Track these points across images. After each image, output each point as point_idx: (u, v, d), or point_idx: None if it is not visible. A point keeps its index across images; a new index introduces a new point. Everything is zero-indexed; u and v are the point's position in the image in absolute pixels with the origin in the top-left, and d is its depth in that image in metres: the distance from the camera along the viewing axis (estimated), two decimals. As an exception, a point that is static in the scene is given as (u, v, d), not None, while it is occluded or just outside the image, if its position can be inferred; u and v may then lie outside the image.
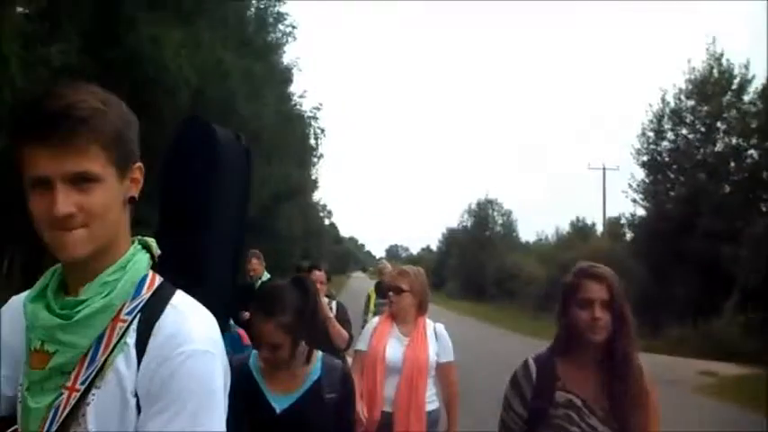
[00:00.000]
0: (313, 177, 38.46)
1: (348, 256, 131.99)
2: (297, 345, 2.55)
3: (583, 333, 2.61)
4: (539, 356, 2.80)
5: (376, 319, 4.44)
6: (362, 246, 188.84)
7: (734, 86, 24.61)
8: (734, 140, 24.52)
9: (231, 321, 4.43)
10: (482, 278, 49.72)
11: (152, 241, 1.50)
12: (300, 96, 27.29)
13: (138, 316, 1.36)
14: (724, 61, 24.87)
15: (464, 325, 24.72)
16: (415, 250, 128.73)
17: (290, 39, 23.42)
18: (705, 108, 24.97)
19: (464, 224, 61.36)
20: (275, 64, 22.96)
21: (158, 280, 1.45)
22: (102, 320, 1.33)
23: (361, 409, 3.91)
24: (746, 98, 24.38)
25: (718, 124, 24.85)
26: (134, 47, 10.87)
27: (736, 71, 24.64)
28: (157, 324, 1.35)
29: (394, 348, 4.11)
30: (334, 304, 5.68)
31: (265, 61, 19.89)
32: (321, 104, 28.05)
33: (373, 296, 8.77)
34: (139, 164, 1.41)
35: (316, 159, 36.12)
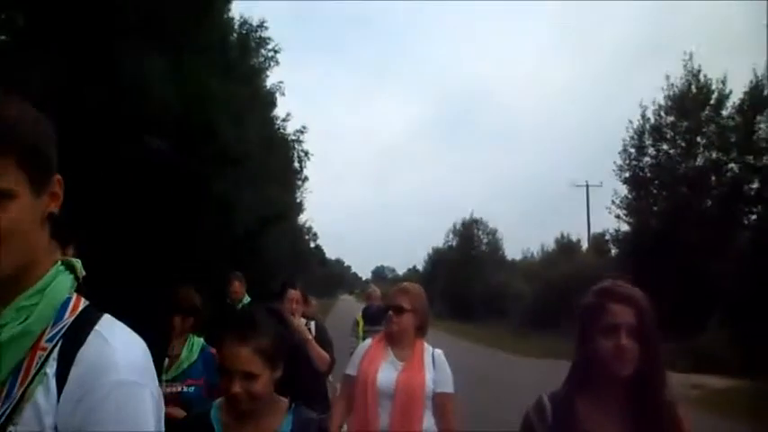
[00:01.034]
0: (298, 200, 38.50)
1: (335, 278, 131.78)
2: (274, 379, 2.17)
3: (607, 365, 2.16)
4: (554, 394, 2.36)
5: (368, 342, 4.02)
6: (349, 267, 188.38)
7: (712, 101, 24.95)
8: (714, 155, 24.83)
9: (203, 341, 4.32)
10: (469, 297, 49.77)
11: (76, 262, 1.36)
12: (284, 120, 27.43)
13: (60, 343, 1.23)
14: (701, 77, 25.26)
15: (454, 346, 24.68)
16: (401, 271, 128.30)
17: (272, 63, 23.53)
18: (685, 123, 25.29)
19: (450, 244, 61.48)
20: (258, 88, 23.04)
21: (83, 303, 1.32)
22: (19, 349, 1.20)
23: None
24: (725, 113, 24.79)
25: (698, 139, 25.16)
26: (118, 77, 10.88)
27: (713, 86, 25.02)
28: (80, 352, 1.22)
29: (386, 372, 3.71)
30: (312, 325, 5.26)
31: (248, 86, 19.97)
32: (305, 127, 28.15)
33: (361, 322, 8.39)
34: (58, 177, 1.29)
35: (300, 182, 36.25)
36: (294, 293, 5.11)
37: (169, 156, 12.47)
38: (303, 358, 4.60)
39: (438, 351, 3.86)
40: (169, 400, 3.39)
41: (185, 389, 4.08)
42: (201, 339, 4.32)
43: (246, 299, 7.13)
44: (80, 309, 1.30)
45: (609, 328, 2.17)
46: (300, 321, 5.01)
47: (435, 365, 3.77)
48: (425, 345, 3.87)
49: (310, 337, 5.02)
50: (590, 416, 2.20)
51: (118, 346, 1.24)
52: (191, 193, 14.83)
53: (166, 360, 3.92)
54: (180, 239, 14.25)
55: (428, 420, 3.67)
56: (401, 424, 3.61)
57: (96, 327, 1.26)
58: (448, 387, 3.75)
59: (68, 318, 1.27)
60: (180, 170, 13.58)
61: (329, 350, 5.09)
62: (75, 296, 1.32)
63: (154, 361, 1.33)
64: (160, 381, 3.30)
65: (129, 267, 10.51)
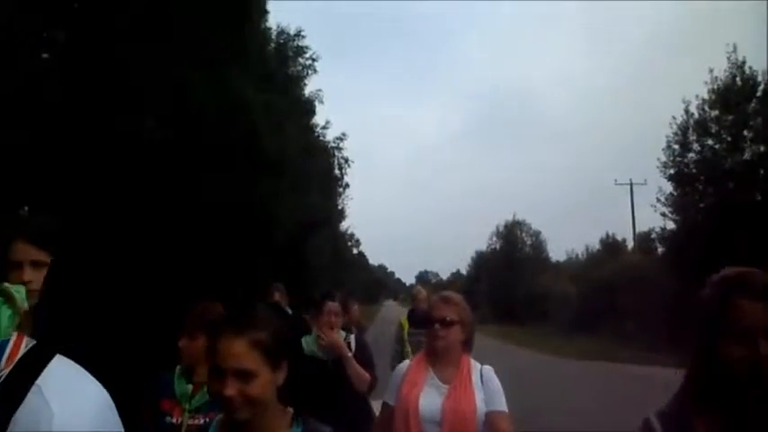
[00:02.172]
0: (339, 207, 38.67)
1: (378, 284, 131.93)
2: (276, 383, 1.85)
3: (738, 378, 1.69)
4: (664, 414, 1.89)
5: (406, 363, 3.52)
6: (392, 273, 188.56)
7: (758, 94, 24.40)
8: (761, 148, 24.22)
9: None
10: (513, 300, 49.46)
11: (18, 289, 1.19)
12: (323, 128, 27.61)
13: None
14: (747, 69, 24.75)
15: (499, 349, 24.54)
16: (444, 275, 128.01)
17: (310, 71, 23.70)
18: (730, 117, 24.78)
19: (493, 247, 61.21)
20: (297, 96, 23.23)
21: (25, 344, 1.14)
22: None
23: None
24: (772, 105, 24.15)
25: (745, 132, 24.60)
26: (157, 89, 11.04)
27: (759, 78, 24.48)
28: (15, 416, 1.05)
29: (430, 399, 3.19)
30: (352, 339, 4.68)
31: (287, 94, 20.14)
32: (344, 134, 28.33)
33: (406, 325, 8.10)
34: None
35: (341, 189, 36.42)
36: (332, 306, 4.58)
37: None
38: (342, 377, 4.36)
39: (487, 367, 3.35)
40: None
41: (209, 421, 3.63)
42: None
43: (288, 310, 7.03)
44: (20, 353, 1.12)
45: (742, 331, 1.69)
46: (339, 335, 4.53)
47: (484, 384, 3.26)
48: (472, 361, 3.37)
49: (349, 353, 4.48)
50: None
51: (57, 411, 1.07)
52: (231, 201, 14.97)
53: (189, 387, 3.28)
54: (219, 248, 14.37)
55: None
56: None
57: (38, 381, 1.09)
58: (501, 405, 3.22)
59: (4, 368, 1.10)
60: (220, 179, 13.73)
61: (370, 369, 4.56)
62: (15, 336, 1.14)
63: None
64: (182, 410, 3.14)
65: (162, 281, 10.62)
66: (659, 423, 1.86)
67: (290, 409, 1.93)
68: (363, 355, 4.57)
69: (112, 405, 1.17)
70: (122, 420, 1.29)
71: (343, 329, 4.74)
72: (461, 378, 3.23)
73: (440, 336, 3.29)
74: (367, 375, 4.45)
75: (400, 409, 3.25)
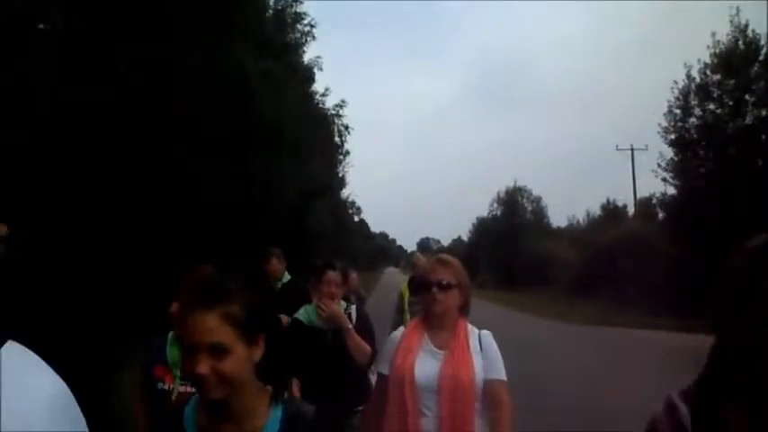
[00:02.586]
0: (340, 175, 38.60)
1: (379, 251, 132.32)
2: (252, 360, 1.70)
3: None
4: (689, 394, 1.65)
5: (400, 331, 3.36)
6: (393, 240, 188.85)
7: (761, 57, 24.18)
8: (763, 112, 24.07)
9: None
10: (514, 266, 49.62)
11: None
12: (322, 95, 27.41)
13: None
14: (749, 32, 24.50)
15: (499, 314, 24.66)
16: (445, 242, 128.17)
17: (309, 38, 23.46)
18: (732, 81, 24.58)
19: (494, 213, 61.24)
20: (296, 64, 23.02)
21: None
22: None
23: None
24: (774, 69, 23.95)
25: (747, 97, 24.40)
26: (153, 54, 10.94)
27: (762, 41, 24.21)
28: None
29: (426, 365, 3.06)
30: (353, 310, 4.51)
31: (285, 61, 19.96)
32: (344, 101, 28.12)
33: (406, 293, 7.97)
34: None
35: (342, 157, 36.33)
36: (333, 276, 4.37)
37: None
38: (341, 349, 4.21)
39: (485, 332, 3.21)
40: (184, 401, 3.09)
41: None
42: None
43: (286, 277, 6.58)
44: None
45: None
46: (340, 306, 4.37)
47: (483, 350, 3.12)
48: (470, 326, 3.21)
49: (350, 324, 4.29)
50: (745, 425, 1.45)
51: (4, 405, 0.98)
52: (231, 170, 14.91)
53: (179, 352, 2.99)
54: (218, 218, 14.37)
55: (480, 420, 3.03)
56: (451, 426, 2.97)
57: None
58: (499, 373, 3.09)
59: None
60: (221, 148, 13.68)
61: (370, 341, 4.36)
62: None
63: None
64: (174, 377, 3.03)
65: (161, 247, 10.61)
66: (684, 404, 1.62)
67: (269, 388, 1.78)
68: (364, 327, 4.39)
69: (69, 395, 1.06)
70: (110, 389, 1.22)
71: (344, 300, 4.60)
72: (458, 343, 3.10)
73: (437, 300, 3.14)
74: (368, 347, 4.27)
75: (395, 377, 3.09)
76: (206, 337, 1.61)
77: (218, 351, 1.60)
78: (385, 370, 3.20)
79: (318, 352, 4.20)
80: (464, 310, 3.24)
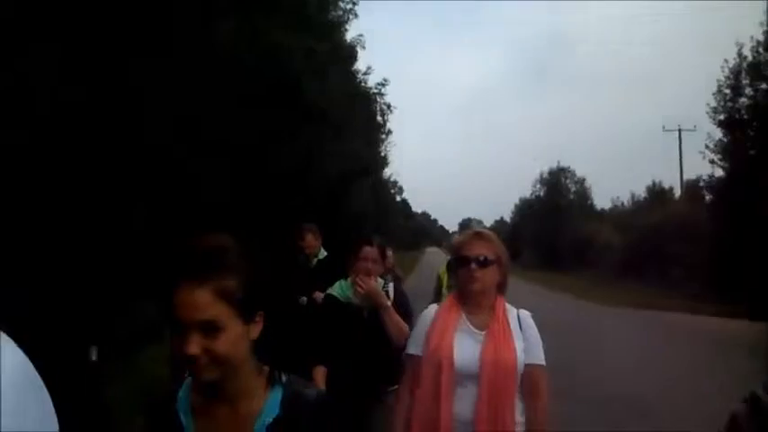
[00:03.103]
0: (382, 154, 38.58)
1: (421, 231, 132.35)
2: (250, 339, 1.55)
3: None
4: None
5: (433, 308, 3.07)
6: (435, 221, 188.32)
7: (816, 34, 23.42)
8: (817, 92, 23.36)
9: None
10: (557, 248, 49.28)
11: None
12: (365, 73, 27.36)
13: None
14: (804, 8, 23.67)
15: (542, 295, 24.52)
16: (488, 222, 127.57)
17: (351, 16, 23.40)
18: (786, 60, 23.84)
19: (537, 194, 60.70)
20: (338, 42, 22.98)
21: None
22: None
23: None
24: (829, 46, 23.19)
25: (800, 76, 23.68)
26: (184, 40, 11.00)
27: (818, 18, 23.40)
28: None
29: (465, 347, 2.83)
30: (390, 287, 4.28)
31: (328, 40, 19.94)
32: (386, 80, 28.02)
33: (445, 278, 7.48)
34: None
35: (384, 136, 36.27)
36: (370, 251, 4.15)
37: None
38: (378, 328, 4.02)
39: (525, 313, 2.99)
40: None
41: None
42: None
43: (322, 253, 6.39)
44: None
45: None
46: (378, 283, 4.14)
47: (523, 331, 2.90)
48: (508, 305, 2.98)
49: (388, 302, 4.07)
50: None
51: None
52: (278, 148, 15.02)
53: None
54: (260, 195, 14.47)
55: (520, 404, 2.84)
56: (491, 412, 2.74)
57: None
58: (539, 357, 2.87)
59: None
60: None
61: (408, 320, 4.08)
62: None
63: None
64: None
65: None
66: None
67: (267, 368, 1.63)
68: (402, 305, 4.17)
69: (30, 367, 1.03)
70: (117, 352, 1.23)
71: (381, 278, 4.35)
72: (499, 323, 2.87)
73: (476, 277, 2.88)
74: (406, 326, 3.99)
75: (430, 360, 2.83)
76: (195, 313, 1.44)
77: (211, 330, 1.45)
78: (417, 350, 2.95)
79: (354, 329, 4.06)
80: (502, 288, 3.01)
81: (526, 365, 2.82)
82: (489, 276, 2.92)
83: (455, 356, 2.80)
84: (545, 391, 2.86)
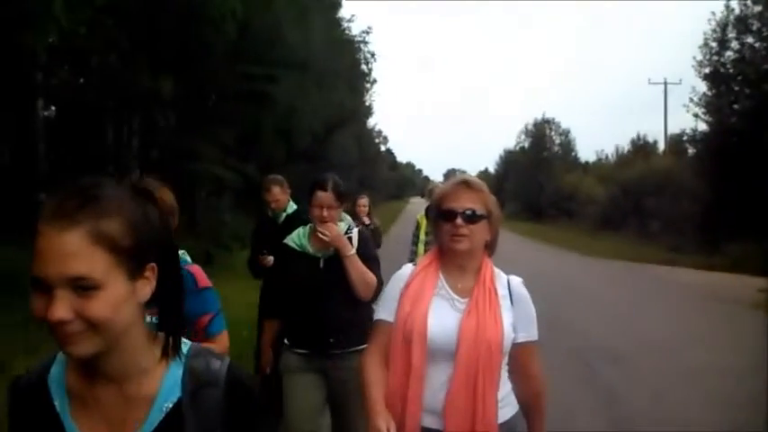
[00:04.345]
0: (367, 103, 38.39)
1: (405, 181, 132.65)
2: (139, 299, 1.17)
3: None
4: None
5: (408, 268, 2.57)
6: (420, 171, 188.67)
7: (807, -13, 23.26)
8: (804, 47, 23.31)
9: (186, 256, 2.92)
10: (540, 199, 49.56)
11: None
12: (349, 21, 27.12)
13: None
14: (795, -39, 23.48)
15: (524, 245, 24.71)
16: (472, 173, 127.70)
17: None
18: (774, 13, 23.71)
19: (521, 145, 60.71)
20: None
21: None
22: None
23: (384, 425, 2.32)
24: (820, -1, 23.06)
25: (788, 30, 23.59)
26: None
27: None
28: None
29: (442, 317, 2.35)
30: (354, 233, 3.76)
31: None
32: (370, 28, 27.86)
33: (423, 223, 7.32)
34: None
35: (369, 85, 36.07)
36: (323, 196, 3.60)
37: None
38: (338, 280, 3.56)
39: (516, 279, 2.51)
40: None
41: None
42: (181, 252, 2.72)
43: (291, 207, 5.69)
44: None
45: None
46: (338, 228, 3.63)
47: (514, 302, 2.43)
48: (496, 269, 2.50)
49: (351, 250, 3.60)
50: None
51: None
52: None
53: None
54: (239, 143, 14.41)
55: (504, 387, 2.40)
56: (466, 397, 2.28)
57: None
58: (531, 333, 2.44)
59: None
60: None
61: (374, 267, 3.68)
62: None
63: None
64: None
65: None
66: None
67: (162, 336, 1.25)
68: (366, 255, 3.68)
69: None
70: None
71: (340, 221, 3.82)
72: (484, 291, 2.38)
73: (462, 235, 2.38)
74: (372, 277, 3.59)
75: (401, 330, 2.38)
76: (66, 266, 1.07)
77: (85, 287, 1.08)
78: (387, 316, 2.47)
79: (309, 280, 3.60)
80: (491, 249, 2.51)
81: (515, 344, 2.38)
82: (478, 234, 2.41)
83: (429, 328, 2.32)
84: (539, 374, 2.48)
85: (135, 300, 1.16)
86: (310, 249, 3.66)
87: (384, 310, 2.51)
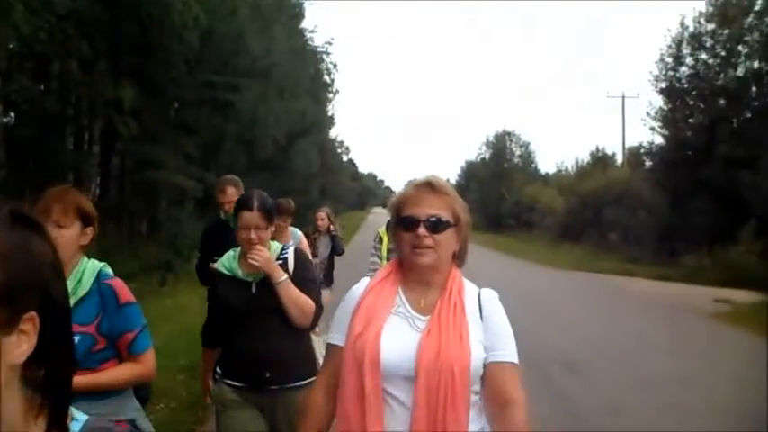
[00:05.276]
0: (329, 114, 38.40)
1: (367, 192, 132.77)
2: (10, 351, 0.83)
3: None
4: None
5: (363, 284, 2.16)
6: (381, 182, 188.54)
7: (757, 7, 23.87)
8: (756, 64, 23.92)
9: (108, 269, 2.66)
10: (501, 210, 50.04)
11: None
12: (312, 32, 27.16)
13: None
14: (746, -19, 24.17)
15: (485, 256, 24.88)
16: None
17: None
18: (726, 31, 24.30)
19: (482, 156, 61.26)
20: (285, -1, 22.70)
21: None
22: None
23: None
24: (769, 20, 23.74)
25: (740, 48, 24.18)
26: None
27: (758, -8, 23.91)
28: None
29: (398, 337, 1.97)
30: (290, 253, 3.34)
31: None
32: (333, 39, 28.00)
33: (386, 238, 6.81)
34: None
35: (331, 95, 36.12)
36: (248, 217, 3.17)
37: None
38: (271, 305, 3.15)
39: (489, 293, 2.11)
40: None
41: None
42: (98, 263, 2.64)
43: None
44: None
45: None
46: (269, 252, 3.20)
47: (485, 318, 2.03)
48: (466, 282, 2.11)
49: (283, 275, 3.16)
50: None
51: None
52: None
53: None
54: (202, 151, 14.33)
55: (475, 422, 1.97)
56: (431, 427, 1.90)
57: None
58: (508, 353, 2.01)
59: None
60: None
61: (311, 290, 3.27)
62: None
63: None
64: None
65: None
66: None
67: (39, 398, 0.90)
68: (302, 278, 3.25)
69: None
70: None
71: (275, 238, 3.42)
72: (449, 306, 1.99)
73: (427, 246, 2.00)
74: (308, 302, 3.20)
75: (352, 354, 1.99)
76: None
77: None
78: (338, 339, 2.10)
79: (241, 307, 3.19)
80: (460, 259, 2.14)
81: (490, 365, 1.97)
82: (444, 244, 2.02)
83: (382, 352, 1.93)
84: (519, 400, 1.98)
85: (7, 360, 0.84)
86: (240, 273, 3.23)
87: (335, 332, 2.13)
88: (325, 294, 7.66)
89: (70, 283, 2.40)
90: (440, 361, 1.89)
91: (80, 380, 2.21)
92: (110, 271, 2.66)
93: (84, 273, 2.54)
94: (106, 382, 2.46)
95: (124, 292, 2.58)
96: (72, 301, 2.23)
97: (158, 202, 18.42)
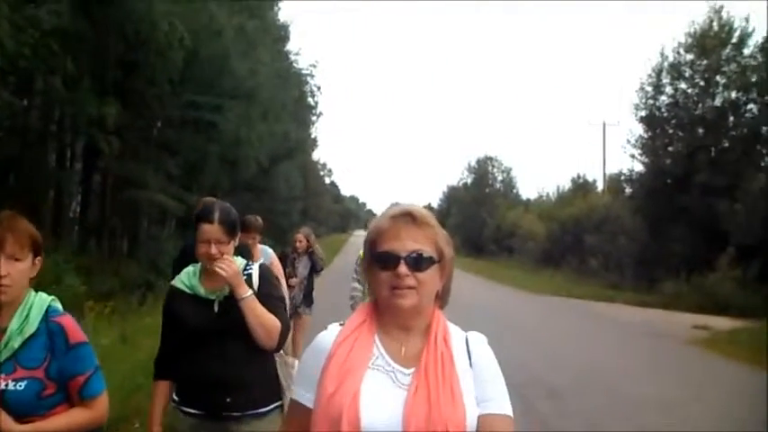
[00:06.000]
0: (312, 136, 38.49)
1: (349, 214, 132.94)
2: None
3: None
4: None
5: (332, 333, 1.76)
6: (363, 204, 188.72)
7: (734, 39, 24.38)
8: (733, 95, 24.39)
9: (57, 304, 2.41)
10: (482, 235, 50.22)
11: None
12: (296, 54, 27.31)
13: None
14: (724, 14, 24.68)
15: (465, 281, 24.92)
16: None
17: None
18: (704, 62, 24.79)
19: (464, 181, 61.60)
20: (270, 22, 22.81)
21: None
22: None
23: None
24: (746, 51, 24.22)
25: (718, 78, 24.66)
26: (125, 4, 10.82)
27: (736, 24, 24.42)
28: None
29: (381, 399, 1.63)
30: (254, 269, 3.07)
31: (260, 19, 19.81)
32: (317, 62, 28.17)
33: None
34: None
35: (315, 118, 36.24)
36: (209, 230, 2.89)
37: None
38: (235, 325, 2.88)
39: (476, 337, 1.82)
40: None
41: (11, 385, 2.23)
42: (46, 297, 2.40)
43: None
44: None
45: None
46: (236, 262, 2.97)
47: (474, 365, 1.74)
48: (451, 326, 1.79)
49: (247, 293, 2.89)
50: None
51: None
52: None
53: None
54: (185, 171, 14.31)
55: None
56: None
57: None
58: (501, 405, 1.72)
59: None
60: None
61: (278, 309, 3.01)
62: None
63: None
64: None
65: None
66: None
67: None
68: (269, 291, 3.03)
69: None
70: None
71: (240, 255, 3.13)
72: (436, 358, 1.69)
73: (408, 286, 1.69)
74: (274, 321, 2.93)
75: (325, 418, 1.63)
76: None
77: None
78: (306, 398, 1.72)
79: (201, 328, 2.92)
80: (443, 299, 1.83)
81: (483, 417, 1.67)
82: (428, 284, 1.72)
83: (363, 415, 1.60)
84: None
85: None
86: (202, 291, 2.96)
87: (301, 389, 1.75)
88: (306, 319, 7.70)
89: (17, 321, 2.28)
90: (431, 423, 1.59)
91: (26, 428, 2.15)
92: (59, 306, 2.42)
93: (32, 309, 2.31)
94: (54, 430, 2.25)
95: (75, 330, 2.34)
96: (18, 342, 2.24)
97: (140, 220, 18.32)
